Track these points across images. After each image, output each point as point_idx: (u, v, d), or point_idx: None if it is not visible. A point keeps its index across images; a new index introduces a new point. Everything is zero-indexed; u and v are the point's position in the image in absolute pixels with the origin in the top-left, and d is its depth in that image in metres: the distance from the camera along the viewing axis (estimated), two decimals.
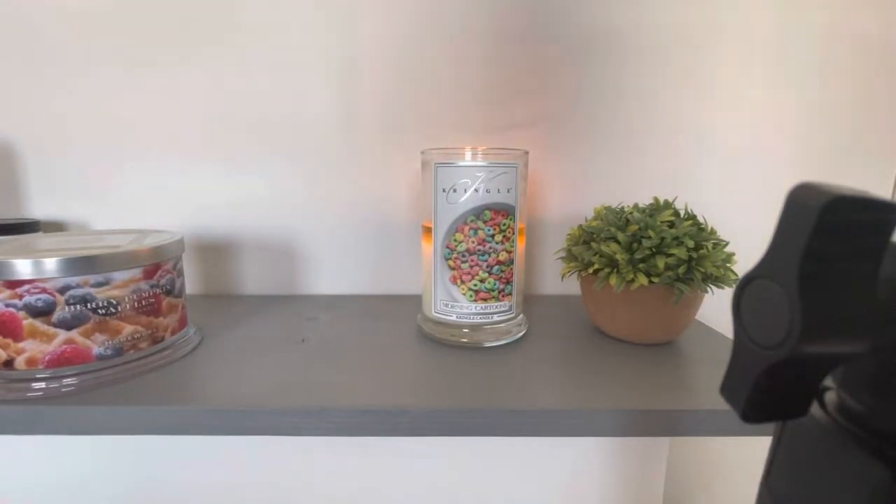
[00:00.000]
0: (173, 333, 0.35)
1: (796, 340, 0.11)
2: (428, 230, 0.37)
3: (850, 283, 0.11)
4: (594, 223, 0.38)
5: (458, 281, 0.36)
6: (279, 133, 0.49)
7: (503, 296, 0.37)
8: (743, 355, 0.13)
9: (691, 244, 0.33)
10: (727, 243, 0.36)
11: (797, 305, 0.11)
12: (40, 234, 0.44)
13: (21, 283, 0.27)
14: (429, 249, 0.37)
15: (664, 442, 0.42)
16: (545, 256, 0.52)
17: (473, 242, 0.35)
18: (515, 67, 0.47)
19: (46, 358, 0.28)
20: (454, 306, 0.37)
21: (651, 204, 0.38)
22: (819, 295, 0.11)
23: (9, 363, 0.28)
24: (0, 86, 0.47)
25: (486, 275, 0.36)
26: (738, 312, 0.13)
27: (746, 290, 0.13)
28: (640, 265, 0.34)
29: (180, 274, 0.36)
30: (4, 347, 0.28)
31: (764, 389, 0.12)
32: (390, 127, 0.49)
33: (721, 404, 0.29)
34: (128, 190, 0.50)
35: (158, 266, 0.33)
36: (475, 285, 0.36)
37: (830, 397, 0.14)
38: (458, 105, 0.48)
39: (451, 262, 0.36)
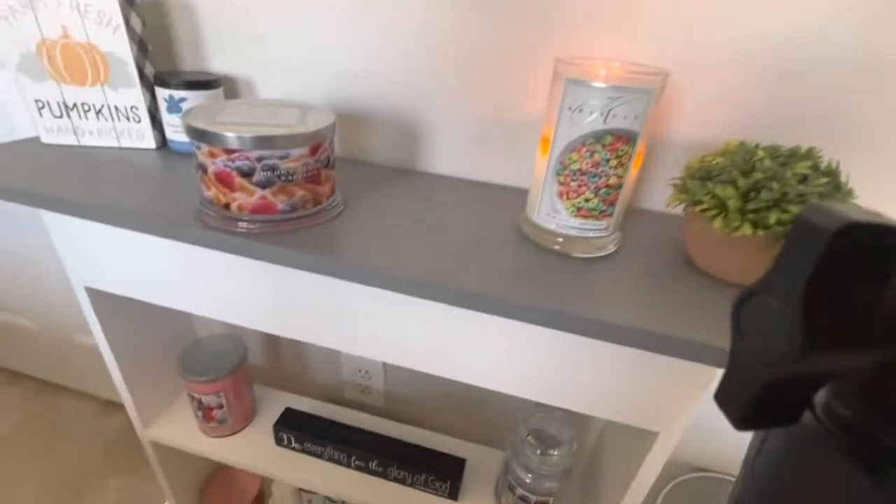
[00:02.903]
0: (327, 199, 0.44)
1: (795, 360, 0.11)
2: (546, 141, 0.39)
3: (854, 304, 0.11)
4: (718, 159, 0.37)
5: (564, 197, 0.39)
6: (420, 22, 0.49)
7: (604, 216, 0.40)
8: (740, 367, 0.12)
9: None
10: (857, 197, 0.34)
11: (799, 327, 0.10)
12: (238, 101, 0.54)
13: (233, 150, 0.37)
14: (542, 161, 0.40)
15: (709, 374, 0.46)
16: (661, 172, 0.51)
17: (587, 164, 0.37)
18: None
19: (249, 207, 0.39)
20: (555, 217, 0.41)
21: (791, 149, 0.36)
22: (822, 316, 0.11)
23: (227, 206, 0.39)
24: None
25: (592, 195, 0.38)
26: (738, 325, 0.13)
27: (747, 305, 0.12)
28: (751, 215, 0.34)
29: (332, 150, 0.43)
30: (223, 194, 0.39)
31: (759, 402, 0.12)
32: (525, 25, 0.47)
33: None
34: (285, 53, 0.56)
35: (320, 145, 0.40)
36: (580, 203, 0.39)
37: (820, 400, 0.14)
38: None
39: (560, 178, 0.39)
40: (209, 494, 0.88)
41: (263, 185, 0.38)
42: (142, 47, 0.52)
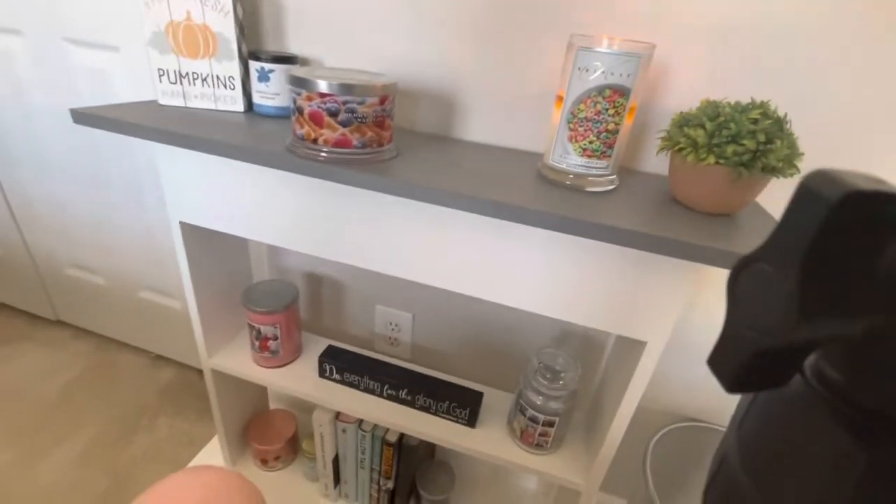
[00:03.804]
0: (387, 143, 0.56)
1: (790, 329, 0.11)
2: (560, 99, 0.51)
3: (851, 272, 0.11)
4: (694, 111, 0.48)
5: (573, 140, 0.51)
6: (456, 12, 0.62)
7: (604, 157, 0.51)
8: (734, 334, 0.13)
9: (762, 138, 0.43)
10: (795, 139, 0.44)
11: (795, 296, 0.10)
12: (325, 67, 0.67)
13: (324, 95, 0.49)
14: (556, 114, 0.52)
15: (691, 272, 0.56)
16: (653, 141, 0.62)
17: (591, 112, 0.49)
18: None
19: (332, 141, 0.52)
20: (566, 157, 0.52)
21: (749, 103, 0.47)
22: (818, 285, 0.10)
23: (314, 140, 0.52)
24: None
25: (595, 138, 0.50)
26: (734, 292, 0.13)
27: (744, 272, 0.12)
28: (715, 149, 0.45)
29: (394, 104, 0.56)
30: (314, 131, 0.51)
31: (751, 367, 0.12)
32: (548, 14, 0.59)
33: (735, 248, 0.42)
34: (348, 38, 0.69)
35: (386, 97, 0.52)
36: (585, 145, 0.50)
37: (810, 363, 0.14)
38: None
39: (570, 125, 0.50)
40: (252, 431, 1.00)
41: (344, 123, 0.51)
42: (241, 29, 0.66)
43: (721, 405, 0.81)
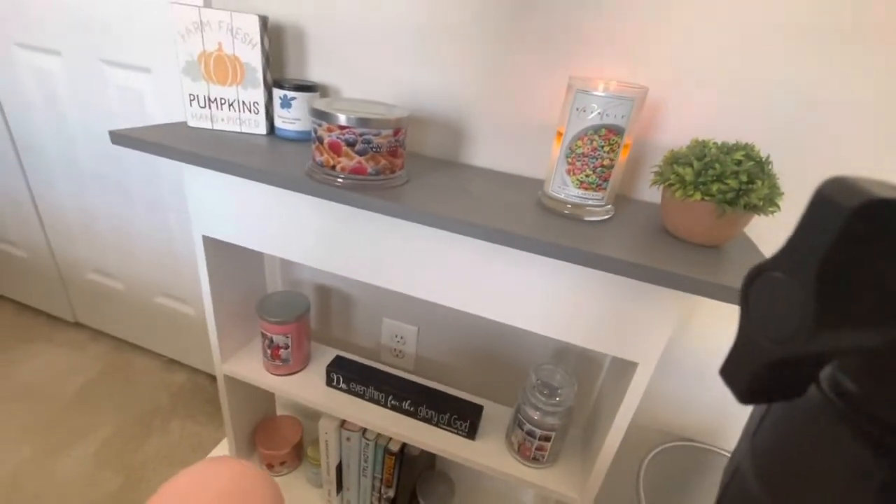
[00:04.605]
0: (399, 170, 0.60)
1: (806, 339, 0.10)
2: (560, 134, 0.55)
3: (869, 282, 0.10)
4: (684, 150, 0.52)
5: (571, 173, 0.55)
6: (469, 45, 0.67)
7: (600, 189, 0.55)
8: (748, 343, 0.12)
9: (745, 178, 0.47)
10: (776, 179, 0.48)
11: (811, 306, 0.10)
12: (343, 98, 0.72)
13: (343, 127, 0.54)
14: (556, 148, 0.56)
15: (679, 299, 0.59)
16: (648, 172, 0.66)
17: (588, 149, 0.53)
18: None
19: (349, 168, 0.56)
20: (564, 188, 0.56)
21: (734, 144, 0.50)
22: (833, 294, 0.10)
23: (332, 167, 0.56)
24: None
25: (591, 172, 0.54)
26: (747, 301, 0.12)
27: (758, 281, 0.12)
28: (701, 186, 0.48)
29: (406, 135, 0.60)
30: (332, 158, 0.56)
31: (765, 378, 0.12)
32: (550, 51, 0.64)
33: (720, 280, 0.46)
34: (365, 69, 0.74)
35: (400, 129, 0.57)
36: (582, 178, 0.54)
37: (826, 374, 0.14)
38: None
39: (569, 160, 0.54)
40: (259, 436, 1.03)
41: (361, 153, 0.55)
42: (266, 59, 0.71)
43: (714, 426, 0.84)
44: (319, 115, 0.54)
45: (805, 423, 0.14)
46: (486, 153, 0.74)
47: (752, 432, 0.16)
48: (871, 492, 0.12)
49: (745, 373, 0.13)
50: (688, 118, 0.61)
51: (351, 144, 0.55)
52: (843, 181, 0.10)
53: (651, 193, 0.67)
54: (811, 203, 0.11)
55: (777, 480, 0.15)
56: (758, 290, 0.12)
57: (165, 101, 0.95)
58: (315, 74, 0.78)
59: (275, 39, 0.77)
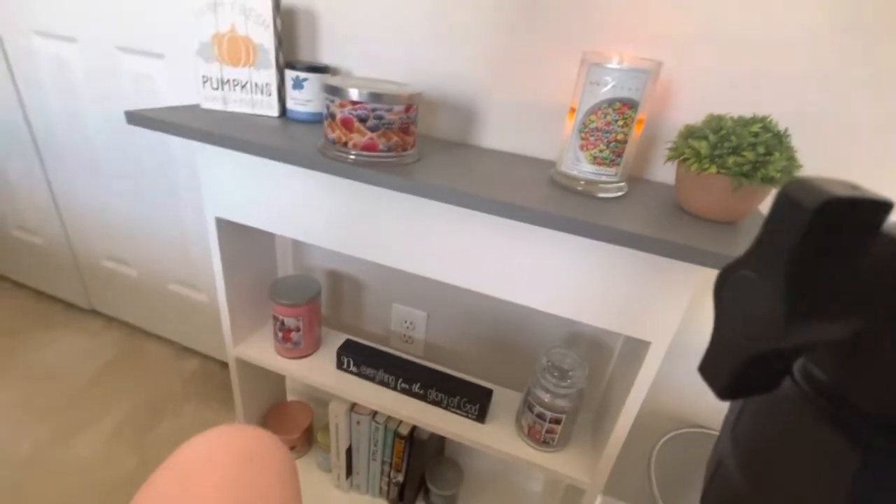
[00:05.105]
0: (411, 148, 0.60)
1: (777, 335, 0.11)
2: (572, 110, 0.55)
3: (836, 277, 0.11)
4: (699, 125, 0.51)
5: (585, 148, 0.54)
6: (482, 26, 0.67)
7: (613, 165, 0.54)
8: (723, 342, 0.13)
9: (762, 150, 0.46)
10: (794, 152, 0.47)
11: (780, 302, 0.10)
12: (356, 76, 0.72)
13: (355, 102, 0.54)
14: (569, 124, 0.55)
15: (692, 275, 0.58)
16: (662, 151, 0.65)
17: (602, 123, 0.52)
18: None
19: (360, 145, 0.56)
20: (577, 164, 0.55)
21: (751, 117, 0.49)
22: (803, 290, 0.11)
23: (345, 144, 0.57)
24: None
25: (605, 147, 0.53)
26: (720, 300, 0.13)
27: (730, 280, 0.12)
28: (717, 159, 0.48)
29: (418, 112, 0.60)
30: (344, 135, 0.56)
31: (742, 374, 0.13)
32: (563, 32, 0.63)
33: (735, 253, 0.45)
34: (376, 52, 0.74)
35: (411, 105, 0.57)
36: (595, 153, 0.54)
37: (798, 365, 0.14)
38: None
39: (582, 135, 0.54)
40: (270, 420, 1.04)
41: (372, 129, 0.55)
42: (279, 41, 0.72)
43: (724, 412, 0.82)
44: (332, 90, 0.54)
45: (782, 414, 0.14)
46: (498, 135, 0.74)
47: (732, 425, 0.17)
48: (848, 474, 0.12)
49: (722, 370, 0.13)
50: (701, 97, 0.60)
51: (363, 120, 0.55)
52: (804, 182, 0.11)
53: (665, 174, 0.66)
54: (775, 203, 0.11)
55: (758, 469, 0.15)
56: (730, 290, 0.13)
57: (178, 88, 0.96)
58: (326, 57, 0.78)
59: (287, 22, 0.78)
